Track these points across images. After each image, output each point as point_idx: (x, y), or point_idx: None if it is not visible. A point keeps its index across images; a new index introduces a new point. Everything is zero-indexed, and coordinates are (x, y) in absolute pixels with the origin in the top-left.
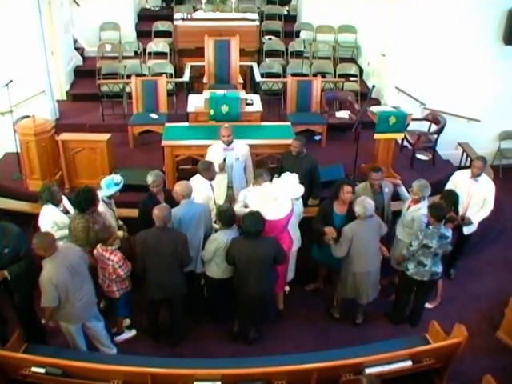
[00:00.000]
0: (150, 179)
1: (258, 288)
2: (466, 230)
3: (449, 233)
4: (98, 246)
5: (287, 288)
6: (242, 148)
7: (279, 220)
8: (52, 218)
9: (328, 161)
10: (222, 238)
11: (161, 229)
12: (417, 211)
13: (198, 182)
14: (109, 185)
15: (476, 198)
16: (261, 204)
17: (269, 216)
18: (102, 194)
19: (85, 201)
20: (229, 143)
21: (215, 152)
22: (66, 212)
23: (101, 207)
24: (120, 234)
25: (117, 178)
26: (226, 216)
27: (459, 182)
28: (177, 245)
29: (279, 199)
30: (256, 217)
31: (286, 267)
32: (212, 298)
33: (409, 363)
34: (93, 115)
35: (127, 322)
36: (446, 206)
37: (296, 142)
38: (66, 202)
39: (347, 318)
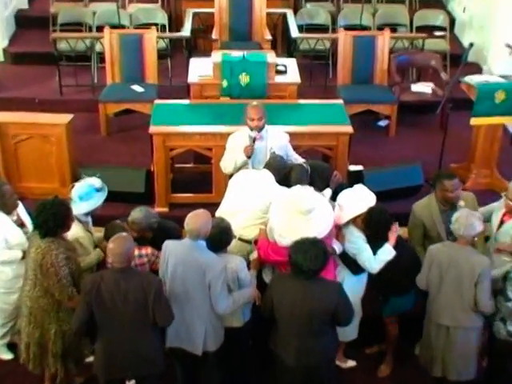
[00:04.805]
0: (132, 216)
1: (303, 357)
2: None
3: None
4: None
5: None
6: (278, 138)
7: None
8: (2, 232)
9: (399, 158)
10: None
11: (121, 270)
12: None
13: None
14: (88, 193)
15: None
16: (284, 219)
17: (286, 237)
18: (78, 209)
19: (53, 220)
20: (259, 130)
21: (239, 143)
22: (21, 225)
23: (76, 230)
24: None
25: (96, 181)
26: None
27: None
28: (146, 294)
29: (313, 213)
30: (316, 246)
31: None
32: None
33: None
34: (45, 86)
35: None
36: None
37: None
38: (21, 209)
39: None
